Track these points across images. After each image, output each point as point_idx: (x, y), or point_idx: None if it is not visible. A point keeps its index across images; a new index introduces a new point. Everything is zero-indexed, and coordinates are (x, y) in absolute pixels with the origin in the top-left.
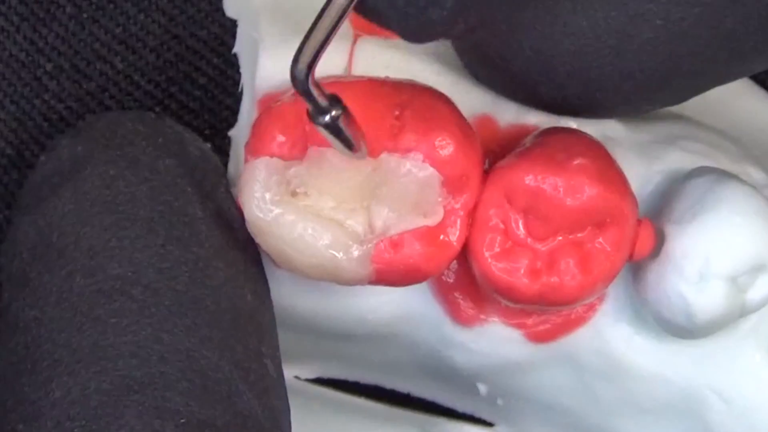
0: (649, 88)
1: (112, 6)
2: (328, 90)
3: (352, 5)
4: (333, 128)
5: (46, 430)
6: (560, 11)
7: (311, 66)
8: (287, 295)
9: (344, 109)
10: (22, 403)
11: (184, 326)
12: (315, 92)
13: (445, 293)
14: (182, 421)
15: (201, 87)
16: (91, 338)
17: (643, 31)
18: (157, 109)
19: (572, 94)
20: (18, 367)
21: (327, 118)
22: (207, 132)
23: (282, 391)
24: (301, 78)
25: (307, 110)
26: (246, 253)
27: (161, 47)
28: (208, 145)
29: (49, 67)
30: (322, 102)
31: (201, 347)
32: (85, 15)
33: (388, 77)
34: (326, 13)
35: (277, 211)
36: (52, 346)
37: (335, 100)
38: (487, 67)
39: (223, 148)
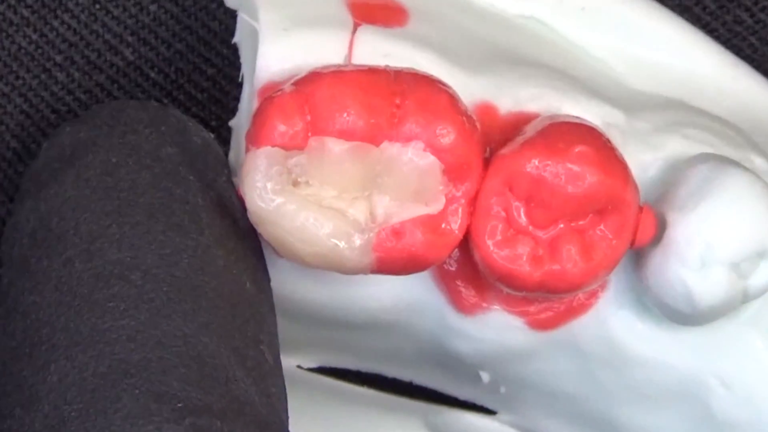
0: None
1: None
2: (329, 79)
3: None
4: None
5: (44, 414)
6: None
7: None
8: (289, 285)
9: None
10: (20, 388)
11: (182, 312)
12: None
13: (447, 281)
14: (179, 405)
15: (210, 78)
16: (89, 322)
17: None
18: (166, 100)
19: None
20: (16, 352)
21: None
22: (214, 123)
23: (279, 379)
24: None
25: None
26: (246, 242)
27: (173, 38)
28: (214, 135)
29: (59, 58)
30: None
31: (199, 333)
32: (97, 6)
33: (388, 66)
34: None
35: (278, 200)
36: (50, 331)
37: None
38: None
39: (230, 139)
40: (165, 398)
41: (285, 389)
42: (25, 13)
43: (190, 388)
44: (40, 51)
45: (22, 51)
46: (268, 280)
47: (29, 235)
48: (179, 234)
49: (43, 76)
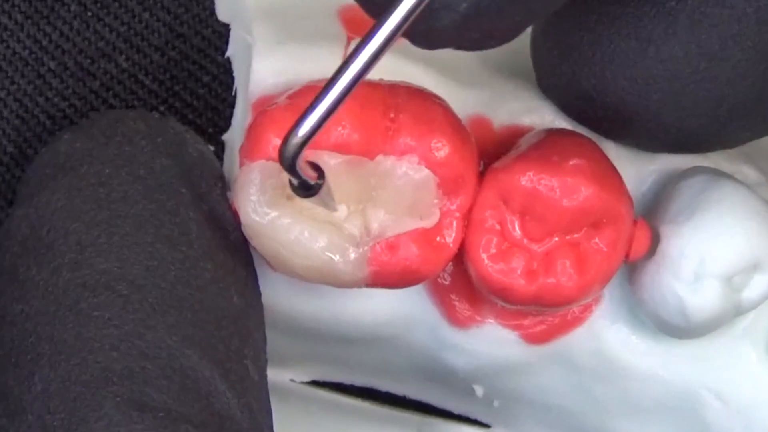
0: (744, 113)
1: (116, 4)
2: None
3: (364, 75)
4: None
5: (28, 424)
6: (653, 38)
7: (307, 143)
8: (283, 298)
9: (324, 178)
10: (6, 398)
11: (167, 324)
12: (302, 170)
13: (441, 295)
14: (160, 414)
15: (205, 85)
16: (73, 331)
17: (734, 53)
18: (161, 107)
19: (667, 123)
20: (3, 361)
21: (311, 191)
22: (210, 131)
23: (263, 394)
24: (291, 155)
25: (290, 182)
26: (236, 255)
27: (166, 46)
28: (211, 144)
29: (52, 65)
30: (309, 179)
31: (182, 345)
32: (89, 13)
33: (382, 79)
34: (338, 80)
35: (273, 214)
36: (36, 340)
37: (319, 173)
38: (582, 103)
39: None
40: (146, 408)
41: (269, 404)
42: (20, 18)
43: (171, 400)
44: (34, 57)
45: (17, 56)
46: (258, 294)
47: (20, 243)
48: (168, 246)
49: (38, 82)
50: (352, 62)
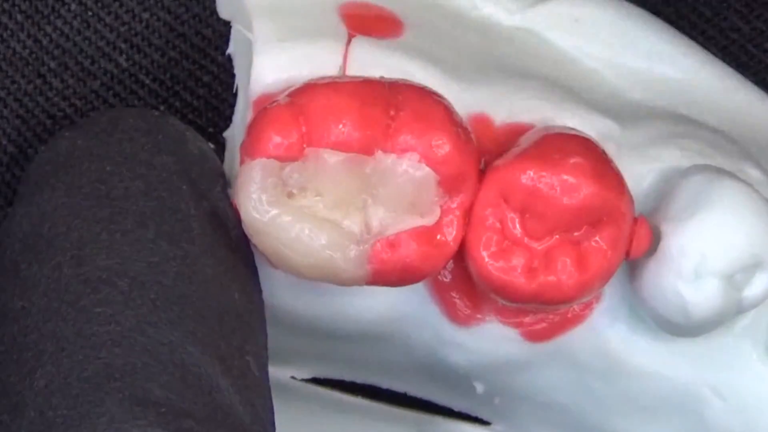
0: None
1: (117, 4)
2: (323, 90)
3: None
4: None
5: (29, 421)
6: None
7: None
8: (283, 296)
9: None
10: (7, 394)
11: (168, 320)
12: None
13: (441, 293)
14: (162, 410)
15: (205, 85)
16: (75, 327)
17: None
18: (162, 107)
19: None
20: (4, 357)
21: None
22: (211, 130)
23: (265, 390)
24: None
25: None
26: (237, 252)
27: (166, 45)
28: (212, 143)
29: (53, 64)
30: None
31: (184, 341)
32: (89, 13)
33: (382, 77)
34: None
35: (273, 212)
36: (38, 336)
37: None
38: None
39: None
40: (149, 403)
41: (271, 401)
42: (20, 18)
43: (173, 395)
44: (34, 56)
45: (17, 56)
46: (259, 291)
47: (21, 240)
48: (169, 242)
49: (38, 82)
50: None
